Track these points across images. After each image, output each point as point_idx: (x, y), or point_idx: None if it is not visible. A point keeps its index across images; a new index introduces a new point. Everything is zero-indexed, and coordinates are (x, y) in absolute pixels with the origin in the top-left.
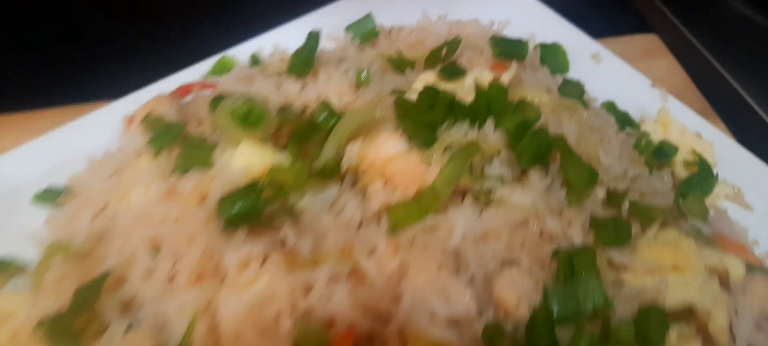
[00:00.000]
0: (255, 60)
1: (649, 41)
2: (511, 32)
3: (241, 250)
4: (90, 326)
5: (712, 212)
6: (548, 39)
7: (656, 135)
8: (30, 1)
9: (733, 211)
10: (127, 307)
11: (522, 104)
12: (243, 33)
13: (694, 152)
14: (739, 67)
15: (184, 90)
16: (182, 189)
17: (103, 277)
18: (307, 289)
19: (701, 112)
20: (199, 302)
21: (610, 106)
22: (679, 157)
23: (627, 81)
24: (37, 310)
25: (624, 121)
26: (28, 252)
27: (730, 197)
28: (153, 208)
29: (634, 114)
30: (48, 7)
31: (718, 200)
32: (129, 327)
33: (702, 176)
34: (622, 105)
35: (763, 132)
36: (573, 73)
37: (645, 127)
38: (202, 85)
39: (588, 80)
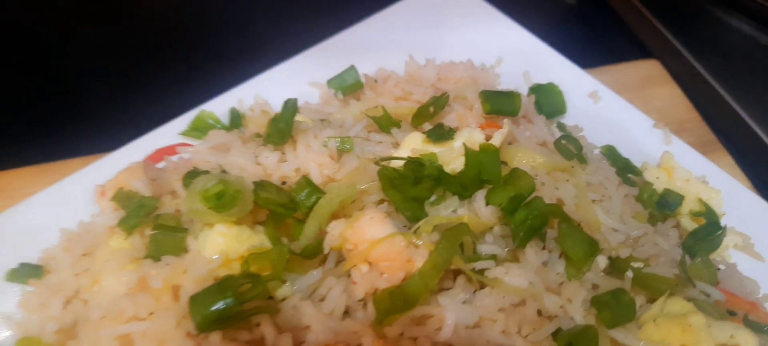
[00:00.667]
0: (235, 116)
1: (650, 68)
2: (504, 70)
3: None
4: None
5: (721, 268)
6: (543, 77)
7: (660, 182)
8: None
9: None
10: None
11: (515, 174)
12: (227, 79)
13: (701, 202)
14: (744, 93)
15: (157, 156)
16: (153, 281)
17: None
18: None
19: (706, 145)
20: None
21: (610, 152)
22: (685, 207)
23: (627, 122)
24: None
25: (625, 169)
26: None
27: (739, 247)
28: (123, 302)
29: (636, 159)
30: (18, 60)
31: (726, 250)
32: None
33: (709, 230)
34: (623, 149)
35: None
36: (570, 114)
37: (647, 174)
38: (172, 151)
39: (585, 122)
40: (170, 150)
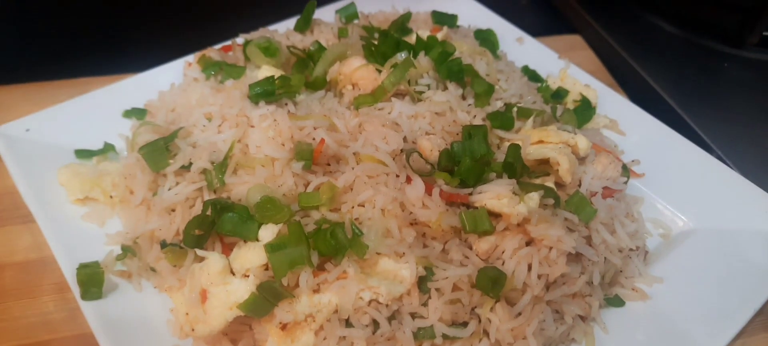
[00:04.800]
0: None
1: (573, 39)
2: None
3: (262, 110)
4: (172, 152)
5: (589, 130)
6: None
7: (555, 85)
8: None
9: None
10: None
11: (444, 43)
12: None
13: (581, 94)
14: (647, 60)
15: (226, 49)
16: (224, 88)
17: (178, 130)
18: (301, 129)
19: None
20: (236, 136)
21: (524, 69)
22: (570, 99)
23: (540, 54)
24: (132, 156)
25: (532, 77)
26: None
27: (608, 126)
28: (207, 98)
29: (543, 75)
30: None
31: (598, 127)
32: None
33: (583, 107)
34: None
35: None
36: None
37: (549, 81)
38: (231, 48)
39: (511, 57)
40: (230, 47)
